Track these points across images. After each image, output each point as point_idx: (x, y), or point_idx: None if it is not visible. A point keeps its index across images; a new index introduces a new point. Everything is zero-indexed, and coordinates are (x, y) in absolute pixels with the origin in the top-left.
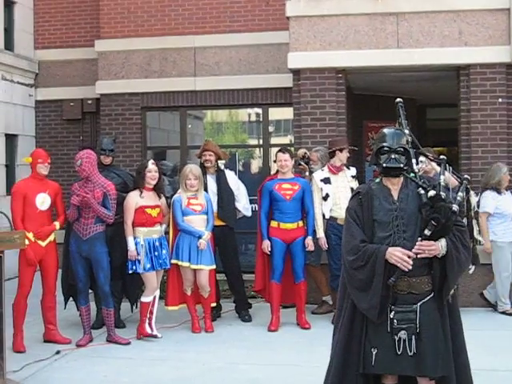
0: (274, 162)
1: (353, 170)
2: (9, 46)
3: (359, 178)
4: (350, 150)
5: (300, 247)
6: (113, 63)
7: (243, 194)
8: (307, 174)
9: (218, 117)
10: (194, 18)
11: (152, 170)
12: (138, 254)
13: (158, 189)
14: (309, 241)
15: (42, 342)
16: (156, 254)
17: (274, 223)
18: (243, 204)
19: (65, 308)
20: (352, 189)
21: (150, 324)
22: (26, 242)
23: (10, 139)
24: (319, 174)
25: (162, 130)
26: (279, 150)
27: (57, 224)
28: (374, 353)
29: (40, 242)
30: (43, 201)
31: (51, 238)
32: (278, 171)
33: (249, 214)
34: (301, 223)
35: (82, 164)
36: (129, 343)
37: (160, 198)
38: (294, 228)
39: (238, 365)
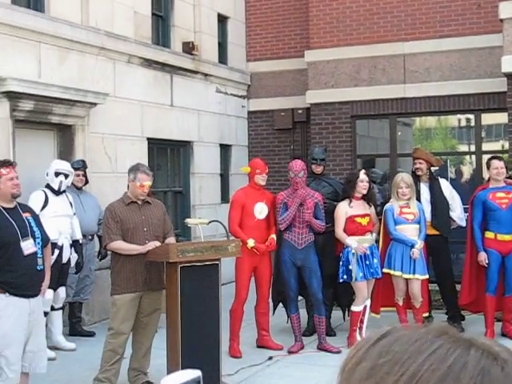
0: (488, 169)
1: None
2: (223, 59)
3: None
4: None
5: None
6: (322, 73)
7: (458, 203)
8: None
9: (427, 123)
10: (403, 25)
11: (364, 179)
12: (350, 263)
13: (367, 197)
14: None
15: (255, 348)
16: (367, 262)
17: (489, 234)
18: (457, 214)
19: (273, 314)
20: None
21: (360, 333)
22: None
23: (225, 149)
24: None
25: (371, 137)
26: (494, 158)
27: (273, 236)
28: None
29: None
30: (261, 210)
31: None
32: (489, 180)
33: (463, 223)
34: None
35: (303, 176)
36: (339, 352)
37: (370, 206)
38: (511, 240)
39: None
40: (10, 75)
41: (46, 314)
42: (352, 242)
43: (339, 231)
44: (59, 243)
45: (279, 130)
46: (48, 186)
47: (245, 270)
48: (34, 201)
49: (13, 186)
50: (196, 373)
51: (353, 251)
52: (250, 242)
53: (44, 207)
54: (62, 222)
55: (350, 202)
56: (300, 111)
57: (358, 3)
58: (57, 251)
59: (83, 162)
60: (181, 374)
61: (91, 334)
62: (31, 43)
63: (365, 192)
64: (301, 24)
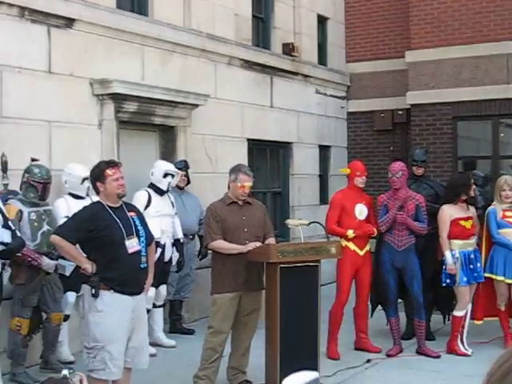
0: None
1: None
2: (322, 60)
3: None
4: None
5: None
6: (423, 73)
7: None
8: None
9: None
10: (507, 24)
11: (472, 182)
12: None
13: (470, 200)
14: None
15: (353, 350)
16: (471, 267)
17: None
18: None
19: (371, 316)
20: None
21: (461, 339)
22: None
23: (324, 150)
24: None
25: (472, 139)
26: None
27: (375, 230)
28: None
29: (358, 251)
30: (361, 211)
31: (367, 247)
32: None
33: None
34: None
35: (401, 177)
36: (439, 356)
37: (469, 208)
38: None
39: None
40: (115, 77)
41: (148, 311)
42: (449, 258)
43: (444, 236)
44: (161, 242)
45: (379, 131)
46: (151, 186)
47: (347, 272)
48: (138, 200)
49: (118, 186)
50: (314, 374)
51: (456, 255)
52: (350, 233)
53: (147, 206)
54: (164, 222)
55: (467, 204)
56: (400, 112)
57: (460, 2)
58: (159, 250)
59: (185, 162)
60: (301, 375)
61: (191, 332)
62: (135, 46)
63: (473, 194)
64: (401, 24)
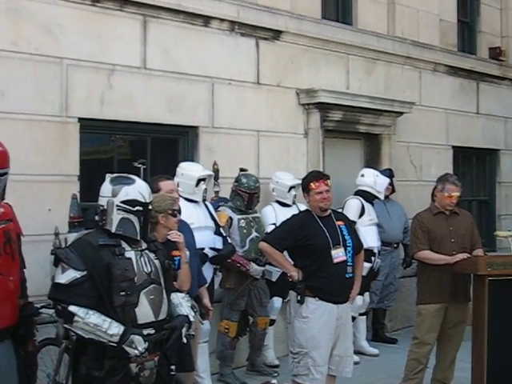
0: None
1: None
2: None
3: None
4: None
5: None
6: None
7: None
8: None
9: None
10: None
11: None
12: None
13: None
14: None
15: None
16: None
17: None
18: None
19: None
20: None
21: None
22: None
23: None
24: None
25: None
26: None
27: None
28: None
29: None
30: None
31: None
32: None
33: None
34: None
35: None
36: None
37: None
38: None
39: None
40: (321, 87)
41: (353, 319)
42: None
43: None
44: (375, 250)
45: None
46: (360, 194)
47: None
48: (352, 208)
49: (321, 199)
50: None
51: None
52: None
53: (361, 215)
54: (375, 230)
55: None
56: None
57: None
58: (373, 259)
59: (390, 170)
60: None
61: (393, 341)
62: (340, 55)
63: None
64: None
